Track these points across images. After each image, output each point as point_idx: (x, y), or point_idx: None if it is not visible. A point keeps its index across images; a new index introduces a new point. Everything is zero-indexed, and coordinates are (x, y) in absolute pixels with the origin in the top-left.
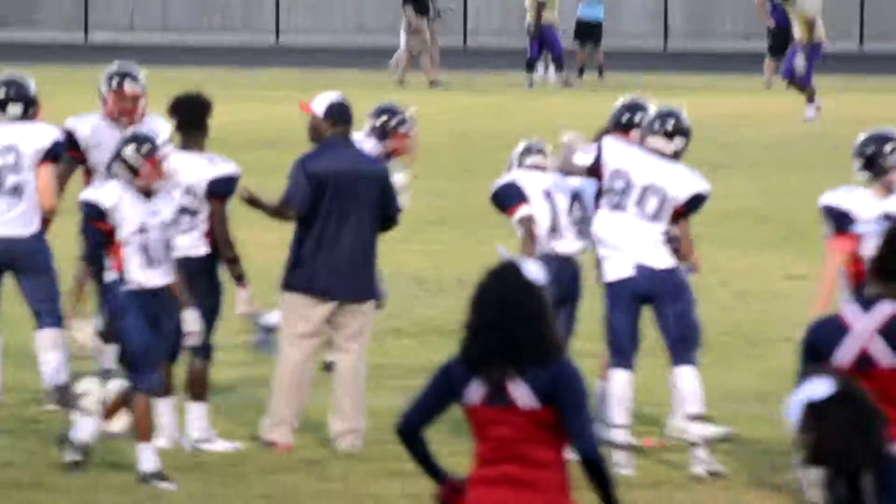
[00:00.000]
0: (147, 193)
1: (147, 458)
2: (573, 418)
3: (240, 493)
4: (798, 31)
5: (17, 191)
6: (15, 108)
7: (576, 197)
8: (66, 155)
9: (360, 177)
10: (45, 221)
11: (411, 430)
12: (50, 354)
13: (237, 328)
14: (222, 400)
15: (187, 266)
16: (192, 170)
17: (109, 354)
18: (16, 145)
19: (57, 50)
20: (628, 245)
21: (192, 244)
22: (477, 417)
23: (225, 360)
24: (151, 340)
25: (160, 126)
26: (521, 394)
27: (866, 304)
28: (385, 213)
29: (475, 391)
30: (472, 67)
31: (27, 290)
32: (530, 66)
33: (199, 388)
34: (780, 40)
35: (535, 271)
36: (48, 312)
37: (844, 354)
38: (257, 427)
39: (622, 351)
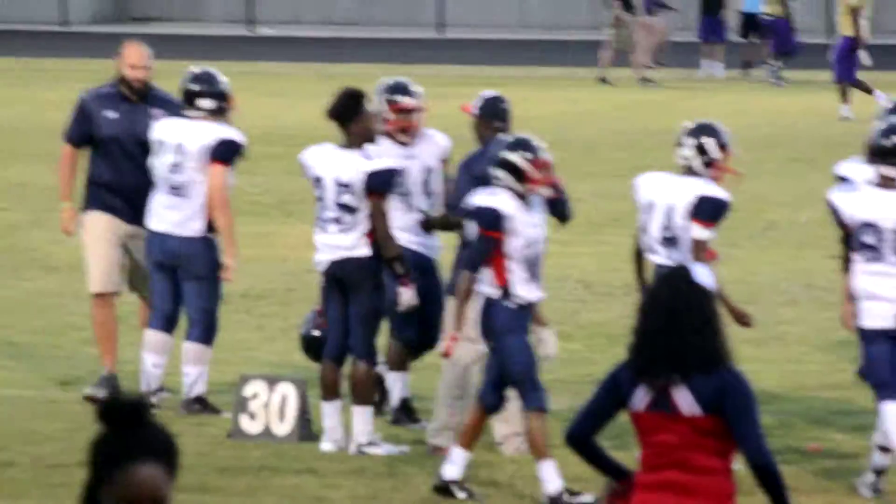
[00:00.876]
0: (524, 202)
1: (551, 477)
2: (740, 425)
3: (404, 497)
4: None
5: (179, 191)
6: (206, 103)
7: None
8: None
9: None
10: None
11: (581, 438)
12: (189, 367)
13: None
14: (387, 404)
15: (348, 267)
16: (348, 166)
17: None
18: (182, 144)
19: (223, 44)
20: (891, 295)
21: (353, 244)
22: (641, 423)
23: None
24: (536, 358)
25: (440, 140)
26: (685, 401)
27: None
28: (554, 212)
29: (640, 397)
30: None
31: (185, 295)
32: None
33: (363, 392)
34: None
35: (705, 277)
36: (196, 323)
37: None
38: (423, 430)
39: (886, 383)
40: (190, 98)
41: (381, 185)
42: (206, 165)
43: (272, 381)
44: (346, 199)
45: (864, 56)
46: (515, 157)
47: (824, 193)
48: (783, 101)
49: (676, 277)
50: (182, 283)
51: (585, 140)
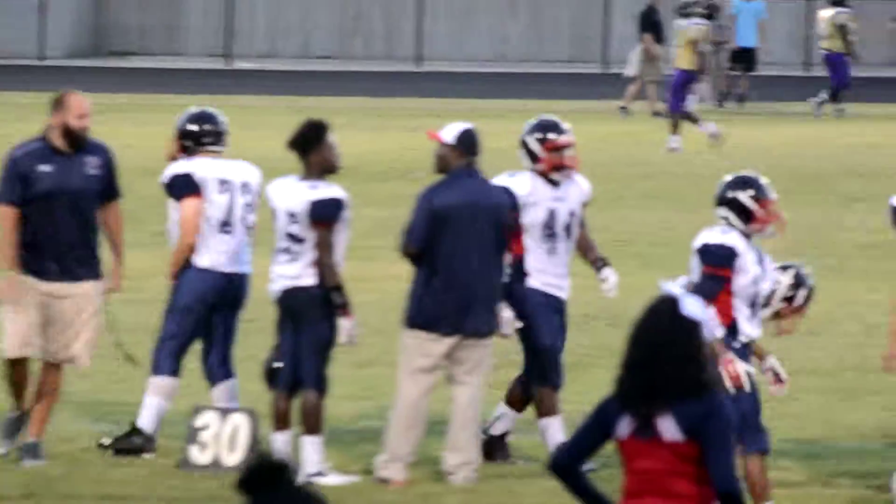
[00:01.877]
0: (749, 239)
1: None
2: (714, 451)
3: None
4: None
5: (252, 230)
6: (228, 139)
7: None
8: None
9: (484, 209)
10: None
11: (565, 466)
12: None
13: (354, 360)
14: (337, 433)
15: (295, 297)
16: (296, 196)
17: None
18: (248, 183)
19: (200, 77)
20: None
21: (300, 274)
22: (625, 450)
23: (341, 393)
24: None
25: (584, 184)
26: (668, 427)
27: None
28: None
29: (625, 425)
30: (609, 96)
31: (225, 328)
32: (834, 96)
33: (313, 422)
34: None
35: (692, 307)
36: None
37: None
38: (372, 460)
39: None
40: (213, 137)
41: (325, 214)
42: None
43: (224, 412)
44: (294, 228)
45: (701, 88)
46: (744, 197)
47: (791, 224)
48: (761, 134)
49: (659, 309)
50: (223, 318)
51: None
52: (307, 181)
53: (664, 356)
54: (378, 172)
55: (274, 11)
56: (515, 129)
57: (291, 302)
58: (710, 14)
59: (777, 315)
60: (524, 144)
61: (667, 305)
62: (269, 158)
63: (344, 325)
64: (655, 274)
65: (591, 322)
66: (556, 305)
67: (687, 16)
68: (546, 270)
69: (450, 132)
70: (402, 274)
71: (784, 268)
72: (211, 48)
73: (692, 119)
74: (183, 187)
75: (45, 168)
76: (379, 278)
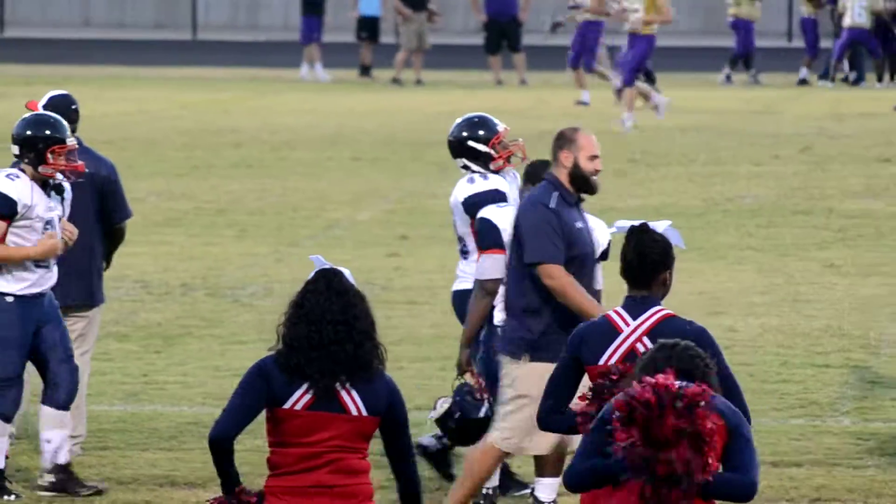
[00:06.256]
0: None
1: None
2: (401, 438)
3: None
4: None
5: None
6: None
7: None
8: None
9: (83, 179)
10: None
11: (227, 439)
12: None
13: None
14: None
15: None
16: None
17: None
18: None
19: None
20: None
21: None
22: (297, 423)
23: None
24: None
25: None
26: (352, 401)
27: (634, 307)
28: (111, 219)
29: (297, 397)
30: (200, 63)
31: None
32: (734, 63)
33: None
34: (493, 35)
35: (351, 279)
36: None
37: (613, 355)
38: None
39: None
40: None
41: None
42: None
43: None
44: None
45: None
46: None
47: (385, 192)
48: (352, 101)
49: (320, 280)
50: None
51: (146, 139)
52: None
53: (344, 331)
54: None
55: None
56: (107, 97)
57: None
58: None
59: None
60: None
61: (328, 278)
62: None
63: None
64: (251, 243)
65: (189, 292)
66: None
67: None
68: None
69: (44, 101)
70: None
71: None
72: None
73: None
74: None
75: (579, 224)
76: None
